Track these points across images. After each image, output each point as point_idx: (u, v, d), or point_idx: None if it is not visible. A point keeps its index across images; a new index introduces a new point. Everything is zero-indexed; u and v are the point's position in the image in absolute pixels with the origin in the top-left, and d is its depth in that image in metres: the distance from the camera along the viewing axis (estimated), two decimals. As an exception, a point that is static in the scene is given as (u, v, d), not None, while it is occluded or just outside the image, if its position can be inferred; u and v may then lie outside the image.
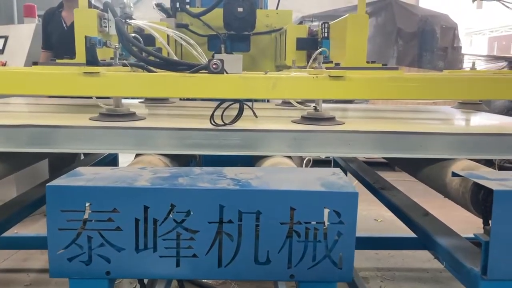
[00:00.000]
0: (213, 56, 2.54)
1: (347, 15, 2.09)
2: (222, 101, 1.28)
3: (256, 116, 1.41)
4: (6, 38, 3.34)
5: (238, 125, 1.27)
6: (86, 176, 0.96)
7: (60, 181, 0.92)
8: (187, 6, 2.72)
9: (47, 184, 0.89)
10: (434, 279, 2.46)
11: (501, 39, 19.58)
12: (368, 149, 1.31)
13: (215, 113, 1.26)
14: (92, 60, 1.40)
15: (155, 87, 1.34)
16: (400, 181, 2.95)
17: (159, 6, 2.75)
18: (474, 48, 22.02)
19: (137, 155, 1.34)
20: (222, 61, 1.34)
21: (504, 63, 5.94)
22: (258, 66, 2.77)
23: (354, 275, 2.19)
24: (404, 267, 2.65)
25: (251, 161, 1.51)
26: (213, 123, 1.24)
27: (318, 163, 4.76)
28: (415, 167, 1.48)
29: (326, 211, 0.91)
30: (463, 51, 6.93)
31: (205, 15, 2.59)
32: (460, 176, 1.07)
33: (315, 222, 0.91)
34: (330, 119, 1.41)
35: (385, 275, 2.56)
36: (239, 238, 0.91)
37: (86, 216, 0.89)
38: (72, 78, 1.30)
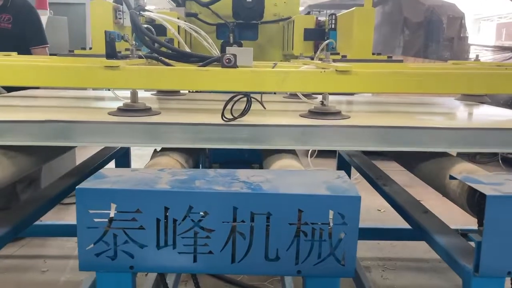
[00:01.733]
0: (222, 45, 2.61)
1: (353, 8, 2.14)
2: (232, 96, 1.33)
3: (265, 108, 1.46)
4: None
5: (247, 119, 1.32)
6: (111, 178, 1.04)
7: (88, 183, 1.00)
8: None
9: (76, 187, 0.97)
10: (433, 269, 2.55)
11: (509, 26, 19.32)
12: (372, 143, 1.36)
13: (224, 108, 1.31)
14: (111, 53, 1.45)
15: (170, 80, 1.41)
16: (404, 171, 3.02)
17: None
18: (482, 35, 21.78)
19: (154, 153, 1.42)
20: (234, 55, 1.40)
21: (510, 54, 5.95)
22: (266, 55, 2.83)
23: (356, 265, 2.29)
24: (405, 257, 2.74)
25: (259, 154, 1.59)
26: (224, 118, 1.30)
27: (324, 152, 4.83)
28: (416, 167, 1.55)
29: (331, 213, 0.99)
30: (470, 40, 6.92)
31: (213, 4, 2.64)
32: (457, 179, 1.15)
33: (320, 223, 0.99)
34: (336, 114, 1.45)
35: (387, 264, 2.66)
36: (251, 236, 0.99)
37: (111, 215, 0.98)
38: (93, 71, 1.37)
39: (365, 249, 2.77)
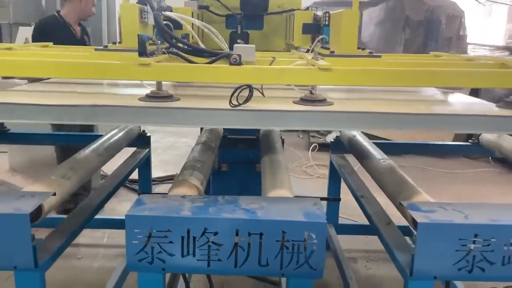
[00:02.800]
0: (230, 34, 2.93)
1: (342, 9, 2.41)
2: (238, 86, 1.63)
3: (264, 96, 1.82)
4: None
5: (250, 105, 1.65)
6: (148, 205, 1.45)
7: (133, 210, 1.41)
8: None
9: (126, 214, 1.37)
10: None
11: (522, 10, 19.17)
12: (348, 125, 1.74)
13: (232, 96, 1.62)
14: (143, 51, 1.76)
15: (188, 74, 1.76)
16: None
17: None
18: (493, 18, 21.60)
19: (176, 178, 1.82)
20: (239, 55, 1.72)
21: (507, 53, 6.21)
22: (270, 43, 3.16)
23: (340, 257, 2.71)
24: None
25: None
26: (231, 104, 1.63)
27: (323, 147, 5.20)
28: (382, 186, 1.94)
29: (306, 233, 1.38)
30: (477, 27, 7.12)
31: None
32: (404, 205, 1.53)
33: (298, 240, 1.39)
34: (322, 101, 1.77)
35: (371, 256, 3.06)
36: (248, 249, 1.39)
37: (150, 233, 1.38)
38: (129, 67, 1.71)
39: (354, 243, 3.18)
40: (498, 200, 4.24)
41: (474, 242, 1.38)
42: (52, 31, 3.42)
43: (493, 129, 1.81)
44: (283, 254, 1.40)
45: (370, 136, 5.34)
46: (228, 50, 1.98)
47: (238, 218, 1.39)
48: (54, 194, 1.55)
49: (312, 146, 5.20)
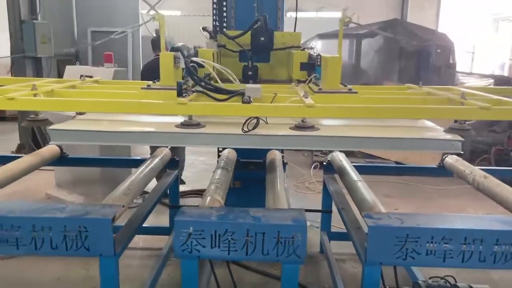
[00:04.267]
0: (243, 68, 3.63)
1: (328, 56, 3.03)
2: (248, 117, 2.34)
3: (267, 123, 2.50)
4: (91, 77, 4.57)
5: (257, 131, 2.35)
6: (188, 214, 2.16)
7: (179, 217, 2.11)
8: (225, 30, 3.86)
9: (175, 219, 2.08)
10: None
11: (528, 27, 19.63)
12: (327, 146, 2.51)
13: (244, 124, 2.33)
14: (180, 92, 2.44)
15: (212, 109, 2.47)
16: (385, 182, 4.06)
17: (205, 29, 3.90)
18: (500, 34, 22.13)
19: (204, 194, 2.53)
20: (249, 97, 2.41)
21: (491, 81, 6.87)
22: (276, 74, 3.86)
23: (330, 258, 3.38)
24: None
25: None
26: (243, 130, 2.33)
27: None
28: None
29: (293, 233, 2.08)
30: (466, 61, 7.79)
31: (237, 38, 3.57)
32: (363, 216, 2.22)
33: (289, 237, 2.08)
34: (311, 127, 2.43)
35: (357, 258, 3.71)
36: (255, 243, 2.09)
37: (190, 232, 2.09)
38: (170, 106, 2.41)
39: (343, 247, 3.83)
40: (474, 210, 4.89)
41: (406, 240, 2.07)
42: (155, 69, 4.19)
43: (421, 148, 2.45)
44: (278, 247, 2.09)
45: (366, 155, 6.20)
46: (239, 83, 2.72)
47: (249, 222, 2.09)
48: (123, 206, 2.27)
49: (314, 164, 5.89)
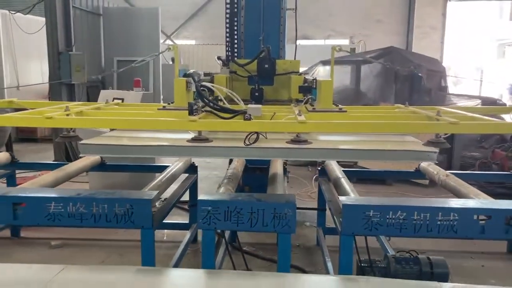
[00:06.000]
0: (251, 90, 4.38)
1: (322, 79, 3.74)
2: (249, 132, 2.89)
3: (266, 138, 2.93)
4: (122, 99, 5.39)
5: (257, 144, 2.91)
6: (207, 196, 2.87)
7: (202, 197, 2.83)
8: (236, 59, 4.62)
9: (198, 199, 2.79)
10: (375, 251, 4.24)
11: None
12: (317, 157, 3.12)
13: (245, 138, 2.91)
14: (191, 111, 3.00)
15: (219, 126, 3.04)
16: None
17: (219, 58, 4.68)
18: (507, 59, 22.79)
19: (219, 185, 3.24)
20: (250, 115, 2.98)
21: (479, 101, 7.54)
22: (279, 94, 4.55)
23: (324, 249, 4.03)
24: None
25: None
26: (245, 143, 2.95)
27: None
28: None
29: (286, 209, 2.77)
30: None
31: (246, 65, 4.29)
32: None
33: (282, 213, 2.77)
34: (304, 141, 2.97)
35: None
36: (257, 217, 2.78)
37: (209, 210, 2.79)
38: (183, 123, 2.98)
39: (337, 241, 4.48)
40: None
41: (371, 215, 2.74)
42: None
43: (402, 158, 3.12)
44: (274, 220, 2.77)
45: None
46: (243, 104, 3.29)
47: (253, 202, 2.79)
48: (158, 192, 3.00)
49: (315, 177, 6.57)
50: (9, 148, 7.48)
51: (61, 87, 7.35)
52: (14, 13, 9.03)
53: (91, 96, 8.47)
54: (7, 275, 2.30)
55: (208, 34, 18.42)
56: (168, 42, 17.00)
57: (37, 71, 10.06)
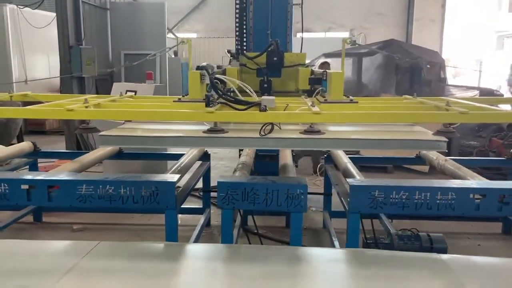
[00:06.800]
0: (260, 81, 4.61)
1: (332, 71, 3.94)
2: (265, 123, 3.04)
3: (280, 128, 3.07)
4: (135, 92, 5.63)
5: (272, 135, 3.07)
6: (225, 179, 3.12)
7: (221, 179, 3.08)
8: (245, 52, 4.83)
9: (217, 180, 3.04)
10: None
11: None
12: (329, 147, 3.36)
13: (261, 129, 3.08)
14: (207, 103, 3.23)
15: (235, 117, 3.23)
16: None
17: (229, 51, 4.90)
18: (506, 50, 22.98)
19: (234, 171, 3.48)
20: (265, 106, 3.16)
21: (476, 92, 7.79)
22: (286, 86, 4.56)
23: (331, 231, 4.30)
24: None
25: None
26: (261, 134, 3.16)
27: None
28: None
29: (298, 190, 3.02)
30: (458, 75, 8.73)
31: (255, 58, 4.46)
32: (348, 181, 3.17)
33: (295, 193, 3.03)
34: (317, 132, 3.12)
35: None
36: (272, 197, 3.03)
37: (228, 191, 3.05)
38: (200, 114, 3.16)
39: (342, 224, 4.75)
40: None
41: (376, 194, 2.99)
42: None
43: (414, 148, 3.36)
44: (288, 200, 3.02)
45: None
46: (255, 96, 3.38)
47: (268, 183, 3.04)
48: (180, 175, 3.25)
49: (320, 165, 6.83)
50: (20, 140, 7.72)
51: (72, 81, 7.58)
52: (23, 8, 9.23)
53: (100, 89, 8.69)
54: (49, 247, 2.57)
55: (209, 28, 18.62)
56: (170, 35, 17.18)
57: (44, 65, 10.29)
